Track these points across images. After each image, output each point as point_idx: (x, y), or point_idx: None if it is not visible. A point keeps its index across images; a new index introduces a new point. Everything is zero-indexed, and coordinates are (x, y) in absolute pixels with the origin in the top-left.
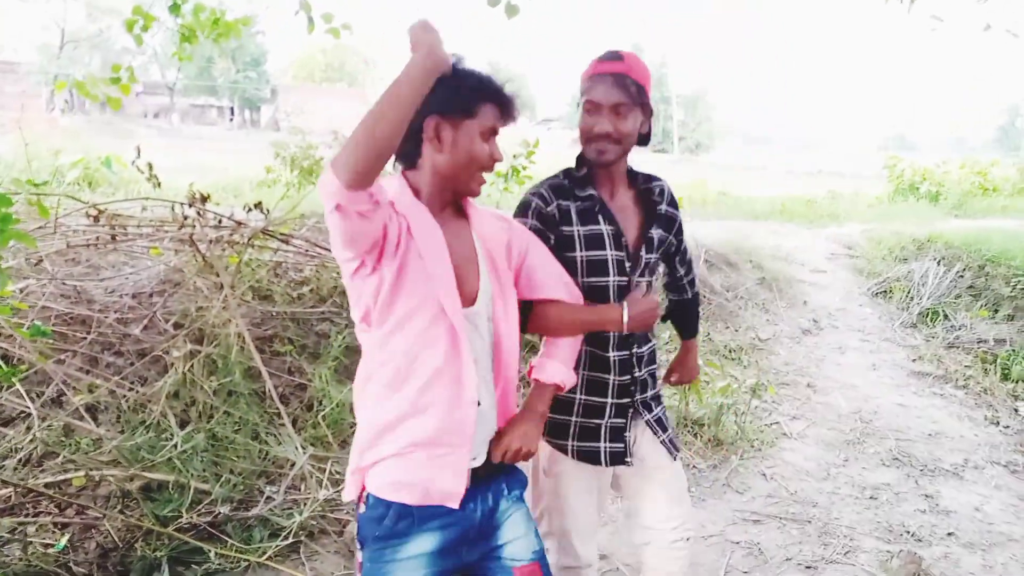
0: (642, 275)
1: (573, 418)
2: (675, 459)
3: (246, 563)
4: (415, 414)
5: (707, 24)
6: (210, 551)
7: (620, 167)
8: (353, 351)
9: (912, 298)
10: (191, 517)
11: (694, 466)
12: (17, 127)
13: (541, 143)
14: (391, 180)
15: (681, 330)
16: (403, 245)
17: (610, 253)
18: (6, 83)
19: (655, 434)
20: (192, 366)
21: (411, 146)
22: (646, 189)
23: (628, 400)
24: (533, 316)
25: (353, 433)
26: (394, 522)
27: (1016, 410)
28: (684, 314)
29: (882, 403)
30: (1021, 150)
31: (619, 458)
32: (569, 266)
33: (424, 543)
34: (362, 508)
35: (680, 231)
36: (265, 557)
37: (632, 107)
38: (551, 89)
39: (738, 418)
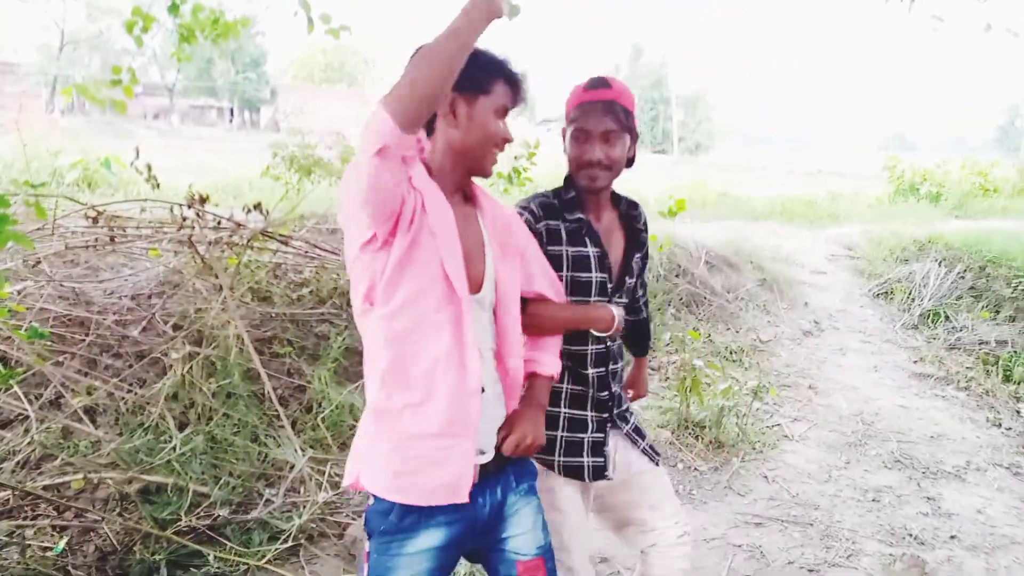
0: (621, 297)
1: (559, 433)
2: (658, 464)
3: (245, 567)
4: (418, 402)
5: (707, 24)
6: (209, 554)
7: (607, 191)
8: (353, 352)
9: (913, 299)
10: (190, 520)
11: (695, 468)
12: (17, 128)
13: (541, 143)
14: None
15: (636, 348)
16: (417, 221)
17: (595, 275)
18: (6, 83)
19: (635, 444)
20: (191, 368)
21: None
22: (629, 215)
23: (607, 415)
24: (525, 314)
25: (352, 434)
26: (400, 518)
27: (1018, 412)
28: (640, 333)
29: (883, 405)
30: (1021, 150)
31: (600, 472)
32: None
33: (431, 538)
34: (371, 500)
35: (647, 255)
36: (264, 560)
37: (621, 133)
38: (551, 89)
39: (739, 420)
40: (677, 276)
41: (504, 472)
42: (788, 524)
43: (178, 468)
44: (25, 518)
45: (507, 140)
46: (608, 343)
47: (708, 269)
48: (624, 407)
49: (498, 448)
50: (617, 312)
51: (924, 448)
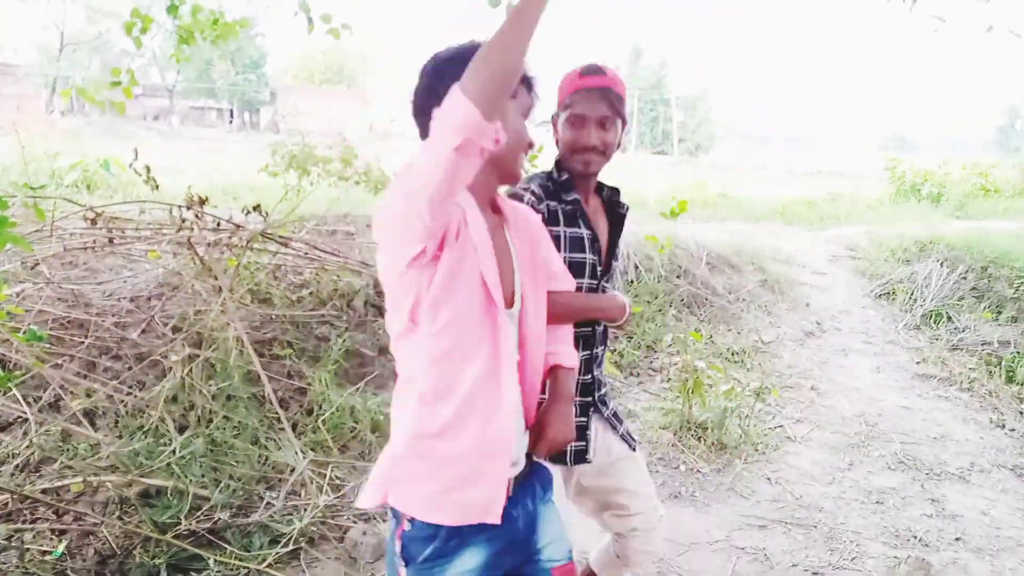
0: (608, 280)
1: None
2: (635, 450)
3: (246, 570)
4: (460, 424)
5: (707, 24)
6: (209, 558)
7: (596, 176)
8: (353, 354)
9: (915, 300)
10: (190, 523)
11: (698, 470)
12: (16, 129)
13: (541, 144)
14: None
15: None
16: (463, 234)
17: (588, 256)
18: (5, 85)
19: (615, 429)
20: (191, 370)
21: None
22: (612, 200)
23: (590, 398)
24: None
25: (353, 437)
26: (444, 542)
27: (1021, 413)
28: None
29: (886, 406)
30: (1022, 151)
31: (581, 456)
32: None
33: (472, 558)
34: (406, 526)
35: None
36: (265, 564)
37: (615, 119)
38: (551, 89)
39: (742, 422)
40: (678, 277)
41: (531, 482)
42: (792, 526)
43: (178, 471)
44: (24, 522)
45: (532, 144)
46: (595, 326)
47: (709, 270)
48: (604, 391)
49: (527, 454)
50: (628, 301)
51: (927, 449)
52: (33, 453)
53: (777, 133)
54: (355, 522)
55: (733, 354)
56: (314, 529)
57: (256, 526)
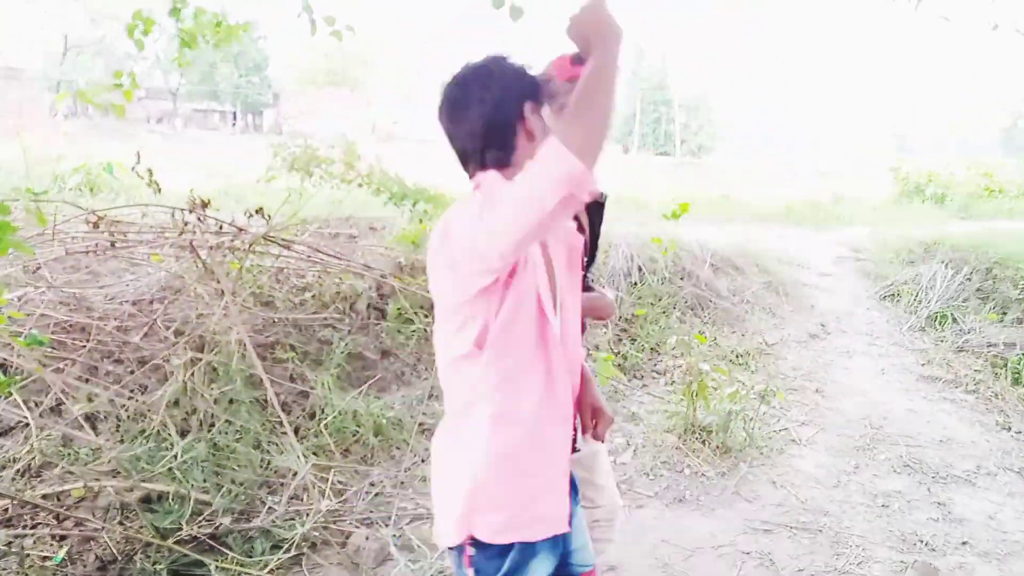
0: (589, 271)
1: None
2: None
3: None
4: (531, 440)
5: (707, 25)
6: (211, 564)
7: None
8: (355, 357)
9: (920, 302)
10: (191, 529)
11: (703, 474)
12: (19, 132)
13: None
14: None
15: None
16: (529, 259)
17: None
18: (9, 89)
19: None
20: (192, 374)
21: (506, 141)
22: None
23: None
24: None
25: (356, 441)
26: (517, 557)
27: None
28: None
29: (892, 408)
30: None
31: (572, 445)
32: None
33: (542, 566)
34: (470, 551)
35: None
36: (267, 570)
37: None
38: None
39: (746, 424)
40: (682, 279)
41: (572, 483)
42: (797, 531)
43: (179, 476)
44: (25, 527)
45: None
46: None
47: (713, 272)
48: None
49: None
50: (614, 296)
51: (933, 452)
52: (34, 458)
53: (778, 133)
54: (357, 527)
55: (737, 356)
56: (316, 534)
57: (258, 531)
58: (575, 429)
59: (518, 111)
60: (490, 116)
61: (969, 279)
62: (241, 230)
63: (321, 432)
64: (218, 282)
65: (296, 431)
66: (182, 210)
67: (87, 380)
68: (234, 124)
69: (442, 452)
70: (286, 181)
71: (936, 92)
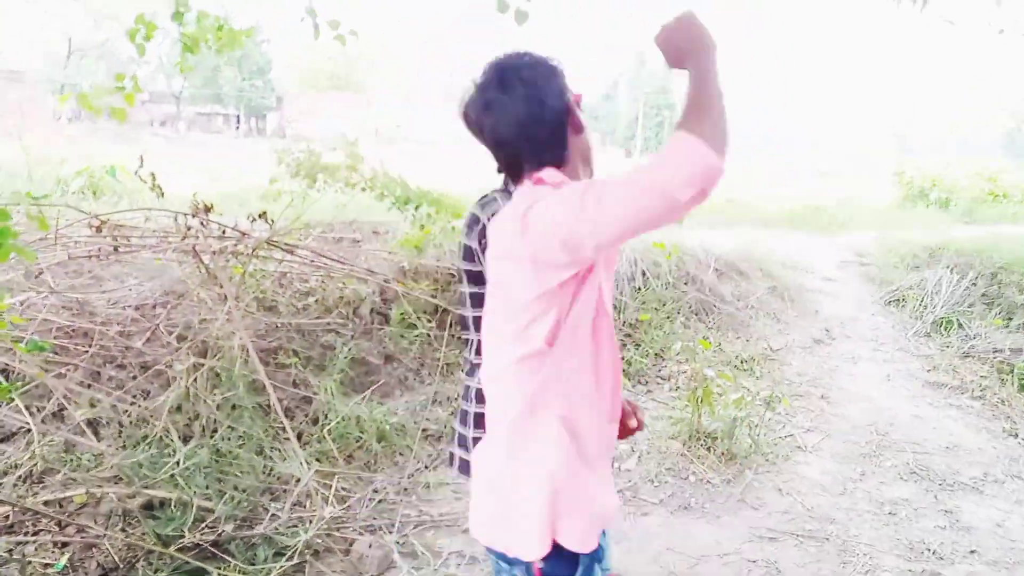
0: None
1: None
2: None
3: None
4: (597, 440)
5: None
6: (213, 571)
7: None
8: (359, 363)
9: (925, 307)
10: (194, 536)
11: (708, 481)
12: (22, 136)
13: None
14: (557, 177)
15: None
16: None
17: None
18: (11, 91)
19: None
20: (195, 379)
21: (561, 137)
22: None
23: None
24: None
25: (359, 447)
26: (589, 563)
27: None
28: None
29: (897, 415)
30: None
31: None
32: None
33: (603, 560)
34: (540, 564)
35: None
36: None
37: None
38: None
39: (752, 431)
40: (686, 284)
41: None
42: (804, 539)
43: (182, 482)
44: (26, 534)
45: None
46: None
47: (717, 276)
48: None
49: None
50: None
51: (940, 459)
52: (36, 464)
53: (778, 133)
54: (361, 534)
55: (742, 362)
56: (319, 541)
57: (260, 538)
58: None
59: (565, 105)
60: (541, 114)
61: (974, 284)
62: (244, 235)
63: (324, 438)
64: (221, 287)
65: (299, 437)
66: (185, 214)
67: (89, 385)
68: (237, 127)
69: (501, 461)
70: (290, 185)
71: (936, 92)
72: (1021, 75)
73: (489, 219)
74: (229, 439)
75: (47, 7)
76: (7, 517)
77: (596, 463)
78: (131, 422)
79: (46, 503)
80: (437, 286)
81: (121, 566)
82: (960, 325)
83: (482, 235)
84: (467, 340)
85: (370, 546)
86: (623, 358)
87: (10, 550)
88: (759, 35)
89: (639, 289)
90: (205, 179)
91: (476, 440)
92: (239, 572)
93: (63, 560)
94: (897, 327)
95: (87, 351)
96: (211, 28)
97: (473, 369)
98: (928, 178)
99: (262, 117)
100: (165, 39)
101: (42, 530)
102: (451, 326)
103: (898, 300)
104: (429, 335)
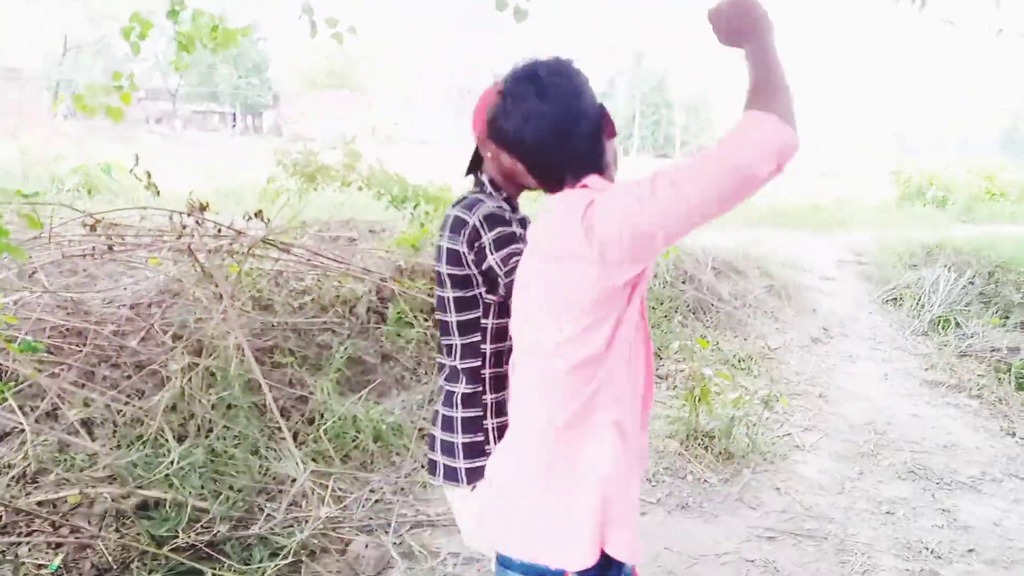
0: None
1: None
2: None
3: None
4: (639, 447)
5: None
6: (208, 572)
7: None
8: (355, 362)
9: (923, 306)
10: (188, 536)
11: (705, 480)
12: (17, 134)
13: None
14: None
15: None
16: None
17: None
18: (8, 89)
19: None
20: (190, 379)
21: (599, 143)
22: (523, 217)
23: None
24: None
25: (355, 447)
26: (619, 572)
27: None
28: None
29: (895, 413)
30: None
31: None
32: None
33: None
34: (573, 573)
35: None
36: None
37: None
38: None
39: (749, 430)
40: (684, 283)
41: None
42: (802, 538)
43: (176, 482)
44: (19, 534)
45: None
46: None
47: (715, 275)
48: None
49: None
50: None
51: (938, 458)
52: (29, 464)
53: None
54: (357, 534)
55: (740, 361)
56: (315, 542)
57: (256, 539)
58: None
59: (599, 110)
60: (581, 123)
61: (972, 283)
62: (240, 233)
63: (320, 438)
64: (216, 286)
65: (295, 437)
66: (181, 213)
67: (83, 385)
68: (234, 126)
69: (539, 470)
70: (287, 184)
71: (936, 93)
72: (1019, 75)
73: (481, 222)
74: (224, 439)
75: (45, 6)
76: (0, 517)
77: (637, 470)
78: (125, 422)
79: (40, 503)
80: (434, 285)
81: (115, 567)
82: (958, 324)
83: (474, 238)
84: (450, 345)
85: (366, 546)
86: None
87: (3, 551)
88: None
89: None
90: (201, 177)
91: (466, 445)
92: (234, 573)
93: (57, 561)
94: (895, 326)
95: (81, 350)
96: (206, 27)
97: (458, 375)
98: (926, 177)
99: (258, 115)
100: (161, 36)
101: (36, 531)
102: None
103: (896, 299)
104: (426, 334)
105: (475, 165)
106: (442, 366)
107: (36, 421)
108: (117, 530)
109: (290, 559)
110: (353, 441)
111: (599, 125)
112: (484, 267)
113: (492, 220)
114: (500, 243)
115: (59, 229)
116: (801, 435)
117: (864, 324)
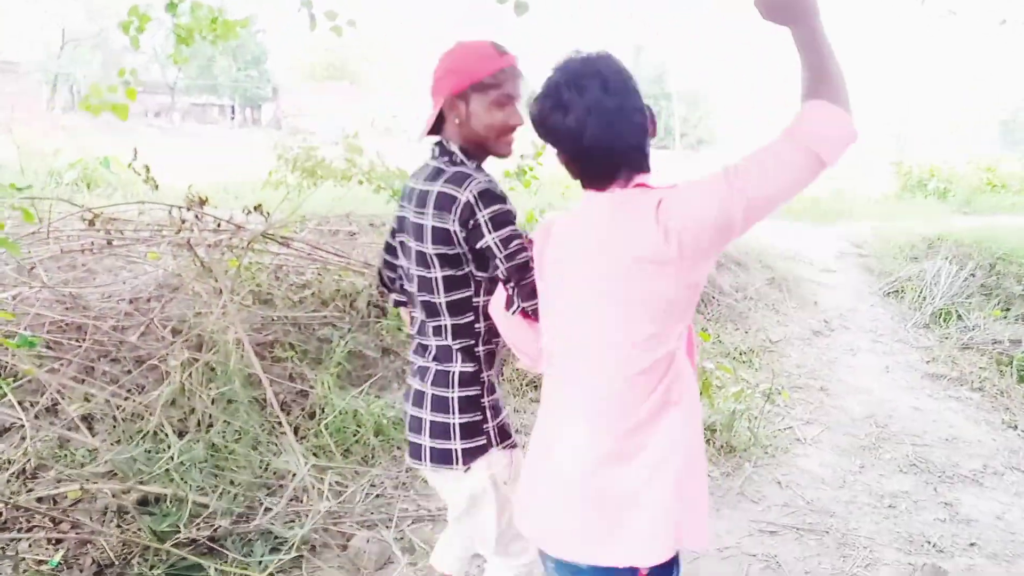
0: None
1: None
2: None
3: None
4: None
5: (708, 17)
6: (209, 567)
7: None
8: (356, 356)
9: (924, 298)
10: (189, 531)
11: (707, 474)
12: (17, 126)
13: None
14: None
15: None
16: None
17: None
18: (6, 82)
19: None
20: (190, 374)
21: (647, 141)
22: None
23: None
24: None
25: (356, 441)
26: (679, 564)
27: None
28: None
29: (897, 407)
30: None
31: None
32: None
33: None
34: (645, 571)
35: None
36: (266, 573)
37: None
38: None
39: (751, 424)
40: None
41: None
42: (803, 532)
43: (177, 477)
44: (20, 531)
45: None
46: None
47: (716, 268)
48: None
49: None
50: None
51: (939, 451)
52: (29, 460)
53: (777, 126)
54: (358, 529)
55: (741, 353)
56: (316, 536)
57: (257, 533)
58: None
59: (646, 109)
60: (635, 119)
61: (973, 275)
62: (239, 227)
63: (321, 432)
64: (216, 280)
65: (295, 431)
66: (180, 207)
67: (83, 380)
68: (232, 118)
69: (620, 468)
70: (288, 179)
71: (936, 91)
72: (1019, 71)
73: (475, 198)
74: (224, 434)
75: (47, 6)
76: (0, 513)
77: (705, 459)
78: (125, 417)
79: (40, 499)
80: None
81: (116, 562)
82: (959, 316)
83: (467, 216)
84: (438, 326)
85: (368, 541)
86: None
87: (4, 547)
88: (758, 31)
89: None
90: (200, 170)
91: (464, 425)
92: (235, 567)
93: (57, 557)
94: (896, 318)
95: (80, 346)
96: (205, 19)
97: (451, 354)
98: (926, 168)
99: (257, 108)
100: (160, 29)
101: (36, 527)
102: None
103: (897, 291)
104: None
105: (435, 130)
106: (425, 347)
107: (36, 417)
108: (118, 526)
109: (291, 554)
110: (354, 435)
111: (647, 123)
112: (479, 246)
113: (487, 197)
114: (498, 222)
115: (58, 224)
116: (802, 428)
117: (865, 316)
